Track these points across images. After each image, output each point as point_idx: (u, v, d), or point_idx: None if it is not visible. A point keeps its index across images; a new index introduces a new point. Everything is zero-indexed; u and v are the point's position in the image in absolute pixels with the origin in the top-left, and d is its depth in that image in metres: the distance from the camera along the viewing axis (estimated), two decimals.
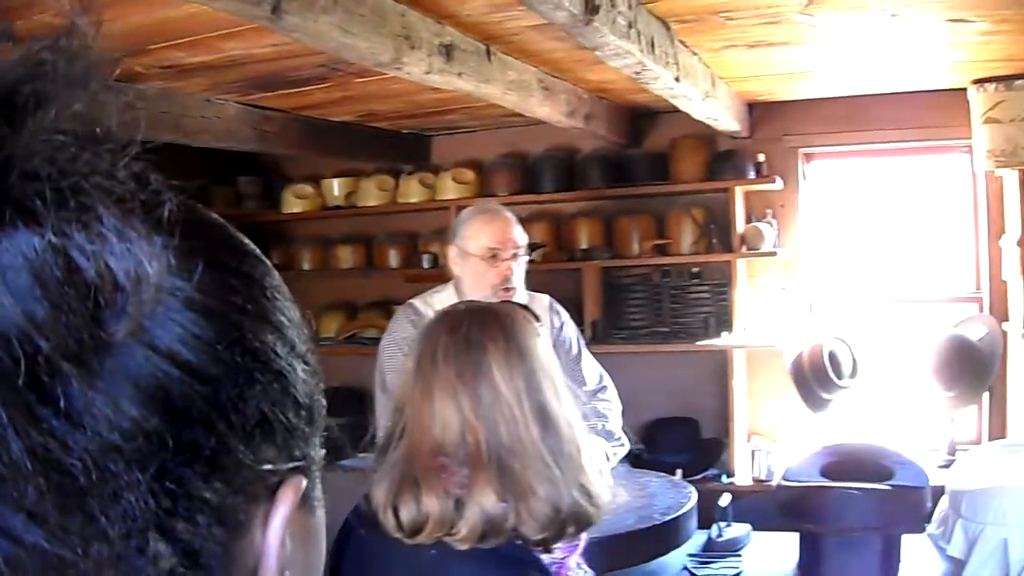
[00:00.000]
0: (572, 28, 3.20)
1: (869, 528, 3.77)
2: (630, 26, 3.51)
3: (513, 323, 2.20)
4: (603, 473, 2.20)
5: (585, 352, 4.30)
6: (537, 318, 2.35)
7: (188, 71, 4.52)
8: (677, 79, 4.29)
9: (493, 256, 3.88)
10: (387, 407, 3.81)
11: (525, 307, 2.44)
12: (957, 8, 4.06)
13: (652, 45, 3.84)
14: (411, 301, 4.15)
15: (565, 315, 4.30)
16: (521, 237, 3.98)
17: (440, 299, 4.00)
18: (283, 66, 4.51)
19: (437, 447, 2.07)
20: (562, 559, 2.17)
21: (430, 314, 3.90)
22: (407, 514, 2.05)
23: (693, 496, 3.95)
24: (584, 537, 2.18)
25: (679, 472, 6.13)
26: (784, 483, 3.93)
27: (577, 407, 2.22)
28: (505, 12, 3.85)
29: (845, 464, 3.98)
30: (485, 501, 2.00)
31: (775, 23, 4.23)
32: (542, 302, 4.22)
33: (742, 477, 6.22)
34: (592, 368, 4.30)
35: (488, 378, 2.09)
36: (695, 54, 4.71)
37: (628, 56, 3.67)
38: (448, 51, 3.91)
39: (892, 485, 3.76)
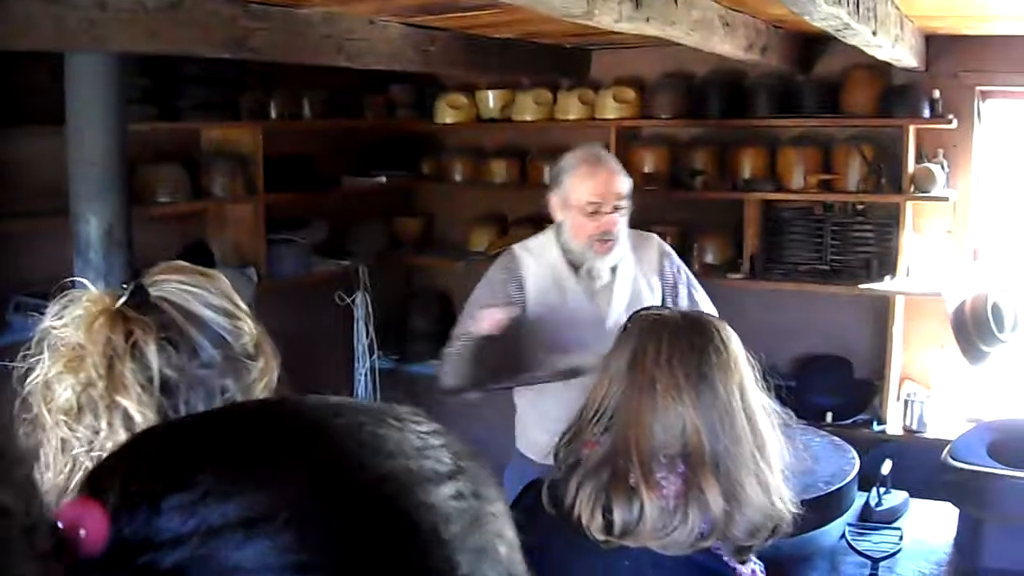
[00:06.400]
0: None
1: None
2: None
3: (727, 337, 2.21)
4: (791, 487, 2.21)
5: (699, 292, 4.30)
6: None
7: None
8: (875, 33, 4.11)
9: (594, 211, 3.88)
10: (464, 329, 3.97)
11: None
12: None
13: (857, 4, 3.67)
14: (511, 247, 4.24)
15: (676, 258, 4.29)
16: (624, 187, 3.95)
17: (539, 243, 4.15)
18: None
19: (658, 448, 2.08)
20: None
21: (527, 259, 4.07)
22: (621, 515, 2.06)
23: (856, 462, 3.87)
24: None
25: (829, 415, 6.04)
26: (951, 463, 3.80)
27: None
28: None
29: (1011, 443, 3.86)
30: (712, 503, 2.02)
31: None
32: (651, 242, 4.25)
33: (893, 426, 6.09)
34: (705, 301, 4.29)
35: (711, 383, 2.11)
36: None
37: (835, 19, 3.52)
38: None
39: None
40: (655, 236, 4.30)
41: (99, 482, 0.69)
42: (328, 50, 4.89)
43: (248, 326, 1.59)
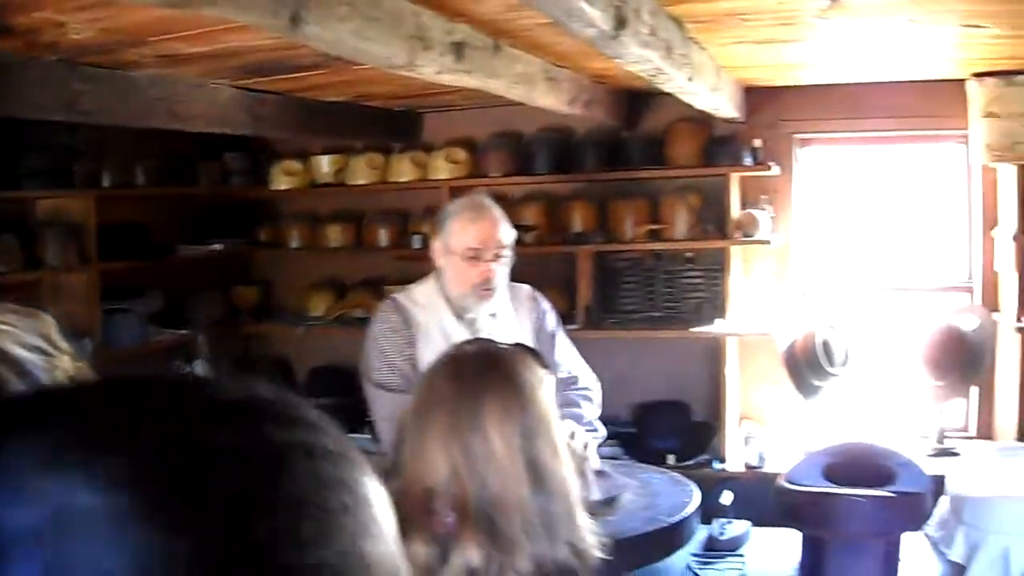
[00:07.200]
0: (599, 42, 3.16)
1: (874, 534, 3.78)
2: (651, 33, 3.46)
3: (517, 373, 2.16)
4: (594, 530, 2.16)
5: (562, 340, 4.26)
6: (544, 364, 2.32)
7: (185, 60, 4.46)
8: (690, 79, 4.26)
9: (475, 256, 3.83)
10: (381, 401, 3.83)
11: (532, 350, 2.40)
12: (975, 15, 4.03)
13: (669, 50, 3.80)
14: (393, 295, 4.12)
15: (546, 303, 4.26)
16: (506, 236, 3.91)
17: (422, 291, 4.02)
18: (284, 55, 4.44)
19: (427, 492, 2.04)
20: None
21: (412, 309, 3.93)
22: None
23: (696, 495, 3.94)
24: None
25: (671, 457, 6.15)
26: (787, 486, 3.91)
27: (573, 460, 2.20)
28: (519, 11, 3.79)
29: (846, 465, 3.98)
30: (469, 554, 1.99)
31: (789, 25, 4.19)
32: (523, 291, 4.20)
33: (734, 463, 6.23)
34: (569, 357, 4.24)
35: (483, 430, 2.06)
36: (704, 48, 4.67)
37: (647, 63, 3.64)
38: (459, 49, 3.85)
39: (895, 491, 3.77)
40: (526, 286, 4.26)
41: None
42: (159, 113, 4.89)
43: (65, 363, 1.60)
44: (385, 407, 3.83)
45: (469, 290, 3.87)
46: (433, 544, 2.02)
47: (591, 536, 2.13)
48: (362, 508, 0.67)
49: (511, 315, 4.07)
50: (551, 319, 4.23)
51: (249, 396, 0.68)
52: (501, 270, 3.90)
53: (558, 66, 5.09)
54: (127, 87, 4.68)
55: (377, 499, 0.69)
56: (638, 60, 3.56)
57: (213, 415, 0.66)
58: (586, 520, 2.14)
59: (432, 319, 3.93)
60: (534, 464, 2.06)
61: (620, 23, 3.04)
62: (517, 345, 2.47)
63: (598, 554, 2.12)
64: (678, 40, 4.01)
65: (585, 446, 3.79)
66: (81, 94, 4.42)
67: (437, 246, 3.95)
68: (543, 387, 2.19)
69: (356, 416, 6.74)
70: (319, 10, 2.94)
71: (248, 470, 0.63)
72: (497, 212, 3.96)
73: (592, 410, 4.13)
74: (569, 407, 3.95)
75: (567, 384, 4.11)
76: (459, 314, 3.94)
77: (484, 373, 2.14)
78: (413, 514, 2.03)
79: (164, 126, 5.01)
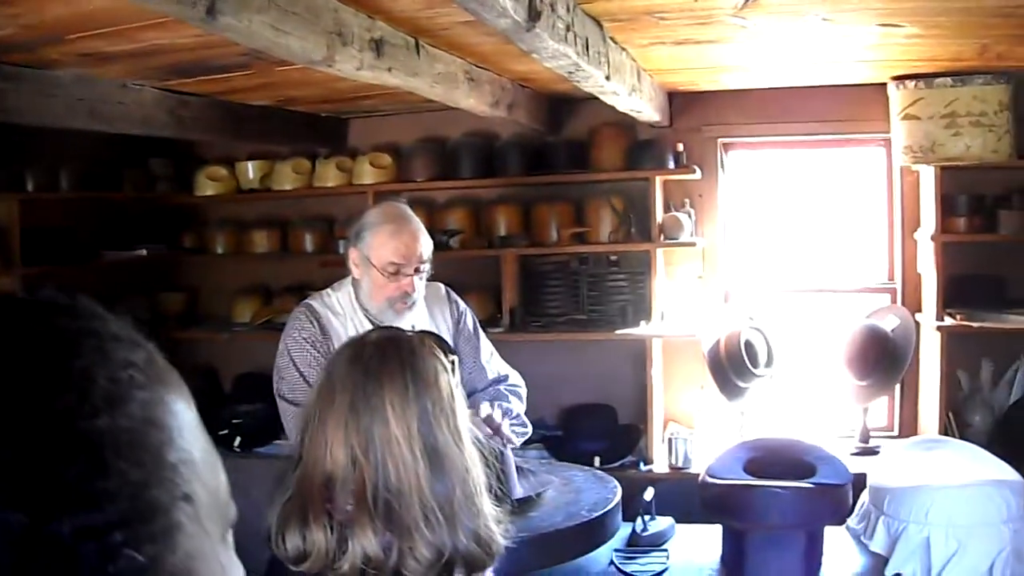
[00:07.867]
0: (514, 34, 3.18)
1: (793, 525, 3.81)
2: (568, 29, 3.49)
3: (418, 358, 2.14)
4: (500, 519, 2.16)
5: (484, 341, 4.16)
6: (450, 350, 2.30)
7: (107, 59, 4.42)
8: (608, 77, 4.28)
9: (395, 272, 3.71)
10: (292, 415, 3.59)
11: (438, 337, 2.37)
12: (890, 14, 4.08)
13: (587, 46, 3.82)
14: (307, 301, 3.95)
15: (462, 303, 4.15)
16: (427, 249, 3.78)
17: (338, 298, 3.88)
18: (205, 55, 4.42)
19: (327, 478, 2.05)
20: None
21: (330, 317, 3.79)
22: (292, 543, 2.04)
23: (618, 491, 3.95)
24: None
25: (597, 460, 6.15)
26: (708, 480, 3.94)
27: (476, 446, 2.18)
28: (437, 9, 3.80)
29: (767, 460, 4.01)
30: (365, 541, 1.98)
31: (706, 24, 4.23)
32: (438, 291, 4.08)
33: (660, 464, 6.26)
34: (494, 358, 4.16)
35: (381, 415, 2.05)
36: (624, 49, 4.70)
37: (564, 58, 3.65)
38: (378, 46, 3.85)
39: (815, 483, 3.80)
40: (441, 284, 4.11)
41: None
42: (80, 113, 4.84)
43: None
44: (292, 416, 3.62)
45: (386, 303, 3.76)
46: (332, 531, 2.02)
47: (496, 525, 2.12)
48: (155, 385, 0.73)
49: (429, 324, 3.92)
50: (470, 319, 4.14)
51: (41, 296, 0.75)
52: (420, 283, 3.79)
53: (479, 67, 5.11)
54: (49, 86, 4.65)
55: (175, 384, 0.76)
56: (554, 55, 3.58)
57: (8, 311, 0.73)
58: (491, 508, 2.13)
59: (350, 330, 3.73)
60: (434, 450, 2.05)
61: (534, 15, 3.07)
62: (423, 332, 2.46)
63: (503, 543, 2.12)
64: (596, 37, 4.04)
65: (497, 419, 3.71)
66: (2, 93, 4.38)
67: (354, 256, 3.82)
68: (446, 373, 2.17)
69: (281, 423, 6.74)
70: (235, 1, 2.93)
71: (40, 350, 0.69)
72: (416, 223, 3.84)
73: (520, 406, 4.06)
74: (498, 400, 3.90)
75: (498, 381, 4.09)
76: (377, 326, 3.68)
77: (384, 358, 2.12)
78: (312, 500, 2.05)
79: (86, 127, 4.96)
